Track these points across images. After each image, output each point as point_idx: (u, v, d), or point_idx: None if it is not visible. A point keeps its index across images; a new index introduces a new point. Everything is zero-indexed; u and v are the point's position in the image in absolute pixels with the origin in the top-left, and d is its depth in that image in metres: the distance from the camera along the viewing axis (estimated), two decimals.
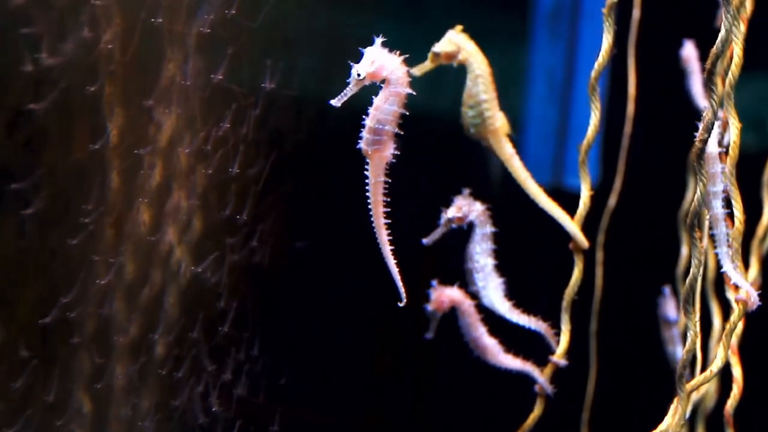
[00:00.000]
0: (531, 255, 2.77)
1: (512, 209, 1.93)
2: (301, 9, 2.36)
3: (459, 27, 1.84)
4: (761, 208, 2.08)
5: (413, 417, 3.02)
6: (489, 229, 1.88)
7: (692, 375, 1.86)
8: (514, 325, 1.90)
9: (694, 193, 1.55)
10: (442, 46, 1.82)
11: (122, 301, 1.93)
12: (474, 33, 1.86)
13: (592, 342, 2.38)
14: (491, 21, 3.03)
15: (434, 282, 1.90)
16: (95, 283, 1.86)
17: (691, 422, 2.25)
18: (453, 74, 1.85)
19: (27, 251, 1.77)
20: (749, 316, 1.68)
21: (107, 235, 1.88)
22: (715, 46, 1.45)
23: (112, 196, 1.87)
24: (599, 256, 2.34)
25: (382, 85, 1.54)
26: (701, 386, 1.77)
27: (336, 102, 1.53)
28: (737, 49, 1.62)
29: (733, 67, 1.62)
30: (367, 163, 1.55)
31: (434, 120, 2.01)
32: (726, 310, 2.09)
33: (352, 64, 1.53)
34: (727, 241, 1.63)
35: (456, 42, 1.82)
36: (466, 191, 1.87)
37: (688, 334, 1.61)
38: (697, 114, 1.55)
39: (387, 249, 1.58)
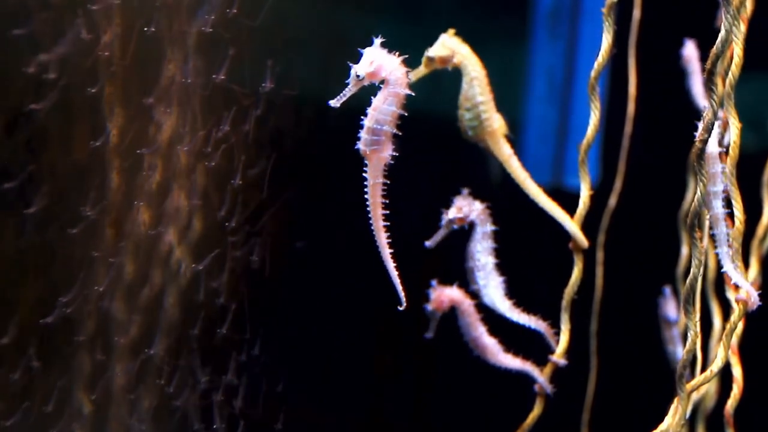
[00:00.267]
0: (531, 255, 2.77)
1: (512, 209, 1.93)
2: (301, 9, 2.36)
3: (452, 30, 1.84)
4: (761, 208, 2.08)
5: (413, 417, 3.02)
6: (489, 227, 1.88)
7: (692, 375, 1.86)
8: (514, 324, 1.90)
9: (695, 193, 1.55)
10: (436, 51, 1.82)
11: (122, 301, 1.93)
12: (474, 33, 1.86)
13: (593, 342, 2.38)
14: (491, 21, 3.03)
15: (434, 282, 1.90)
16: (95, 283, 1.86)
17: (691, 422, 2.25)
18: (451, 75, 1.85)
19: (27, 251, 1.78)
20: (749, 316, 1.68)
21: (107, 234, 1.88)
22: (715, 47, 1.45)
23: (112, 196, 1.87)
24: (599, 256, 2.34)
25: (381, 85, 1.54)
26: (701, 386, 1.77)
27: (335, 102, 1.53)
28: (737, 49, 1.62)
29: (733, 67, 1.62)
30: (366, 165, 1.55)
31: (433, 120, 2.01)
32: (726, 310, 2.09)
33: (351, 64, 1.53)
34: (728, 241, 1.63)
35: (450, 46, 1.82)
36: (465, 191, 1.87)
37: (688, 334, 1.61)
38: (697, 114, 1.54)
39: (386, 252, 1.58)
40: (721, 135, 1.68)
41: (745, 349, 1.89)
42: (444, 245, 1.86)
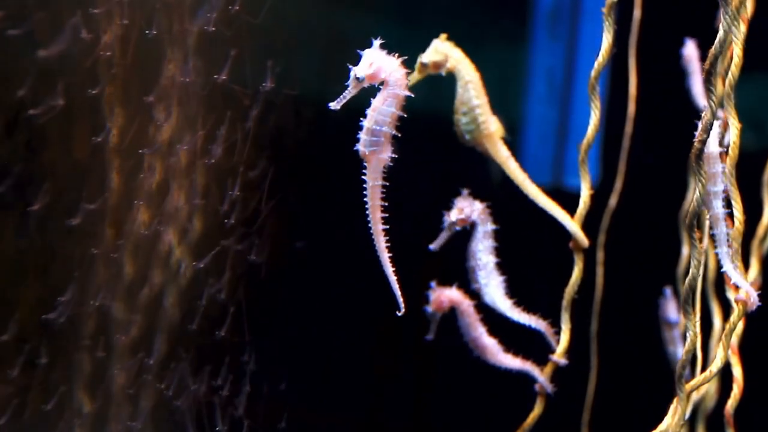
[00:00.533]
0: (531, 254, 2.77)
1: (512, 209, 1.93)
2: (301, 9, 2.36)
3: (444, 35, 1.83)
4: (761, 208, 2.08)
5: (413, 417, 3.02)
6: (490, 226, 1.88)
7: (693, 375, 1.86)
8: (514, 324, 1.90)
9: (695, 193, 1.55)
10: (429, 56, 1.81)
11: (122, 301, 1.93)
12: (474, 34, 1.86)
13: (593, 342, 2.38)
14: (491, 22, 3.03)
15: (433, 283, 1.91)
16: (95, 283, 1.86)
17: (691, 422, 2.25)
18: (449, 76, 1.84)
19: (27, 251, 1.78)
20: (749, 316, 1.68)
21: (107, 234, 1.88)
22: (713, 47, 1.46)
23: (112, 196, 1.87)
24: (600, 256, 2.34)
25: (380, 87, 1.54)
26: (701, 386, 1.77)
27: (335, 105, 1.53)
28: (737, 50, 1.62)
29: (732, 67, 1.62)
30: (365, 166, 1.55)
31: (433, 121, 2.01)
32: (726, 310, 2.09)
33: (350, 66, 1.53)
34: (727, 241, 1.63)
35: (442, 51, 1.82)
36: (465, 192, 1.87)
37: (688, 335, 1.61)
38: (697, 114, 1.54)
39: (385, 256, 1.58)
40: (722, 135, 1.68)
41: (745, 349, 1.89)
42: (443, 245, 1.86)
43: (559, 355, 1.89)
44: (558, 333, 1.89)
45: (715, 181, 1.62)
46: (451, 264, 1.93)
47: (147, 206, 1.94)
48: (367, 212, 1.56)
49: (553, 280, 1.94)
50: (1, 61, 1.68)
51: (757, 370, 1.95)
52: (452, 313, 1.92)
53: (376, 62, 1.52)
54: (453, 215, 1.85)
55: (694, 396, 2.08)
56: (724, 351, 1.65)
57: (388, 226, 1.57)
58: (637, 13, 2.30)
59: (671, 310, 2.40)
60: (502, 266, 1.90)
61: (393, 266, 1.58)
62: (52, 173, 1.76)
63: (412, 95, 1.54)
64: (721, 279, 1.94)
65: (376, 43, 1.54)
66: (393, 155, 1.55)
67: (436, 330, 1.92)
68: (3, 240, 1.76)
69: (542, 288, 2.19)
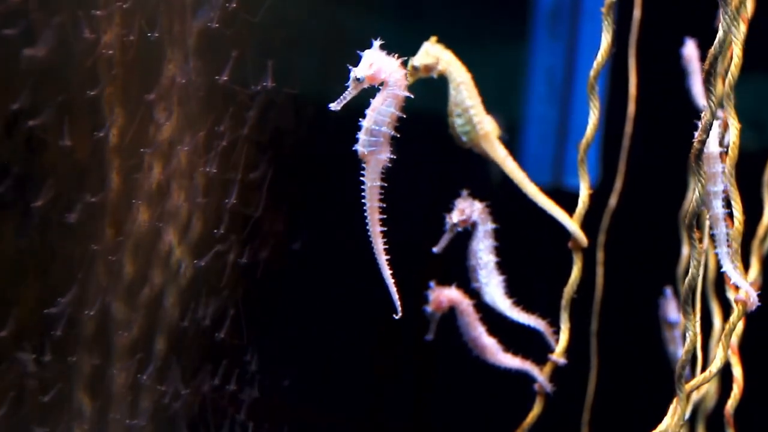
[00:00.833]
0: (531, 254, 2.78)
1: (512, 209, 1.93)
2: (301, 9, 2.36)
3: (434, 38, 1.83)
4: (761, 208, 2.08)
5: (413, 417, 3.02)
6: (490, 225, 1.89)
7: (693, 375, 1.86)
8: (513, 323, 1.90)
9: (694, 193, 1.55)
10: (420, 59, 1.81)
11: (122, 301, 1.93)
12: (474, 34, 1.86)
13: (593, 342, 2.38)
14: (491, 21, 3.03)
15: (432, 283, 1.91)
16: (95, 283, 1.86)
17: (691, 422, 2.24)
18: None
19: (27, 251, 1.78)
20: (749, 316, 1.68)
21: (107, 234, 1.88)
22: (713, 47, 1.46)
23: (112, 196, 1.87)
24: (600, 256, 2.34)
25: (380, 87, 1.54)
26: (701, 386, 1.77)
27: (335, 105, 1.53)
28: (737, 50, 1.62)
29: (732, 67, 1.62)
30: (363, 167, 1.55)
31: (432, 121, 2.01)
32: (726, 310, 2.09)
33: (350, 67, 1.52)
34: (727, 241, 1.63)
35: (433, 53, 1.81)
36: (465, 193, 1.87)
37: (687, 335, 1.61)
38: (697, 114, 1.54)
39: (382, 258, 1.58)
40: (722, 135, 1.68)
41: (745, 349, 1.88)
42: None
43: (558, 355, 1.89)
44: (557, 333, 1.89)
45: (715, 181, 1.62)
46: (450, 264, 1.93)
47: (147, 206, 1.94)
48: (365, 213, 1.56)
49: (553, 279, 1.94)
50: (2, 61, 1.68)
51: (757, 370, 1.95)
52: (452, 313, 1.92)
53: (376, 63, 1.52)
54: (454, 217, 1.86)
55: (694, 396, 2.08)
56: (724, 351, 1.65)
57: (386, 228, 1.57)
58: (637, 13, 2.30)
59: (671, 310, 2.40)
60: (502, 266, 1.90)
61: (391, 268, 1.58)
62: (52, 173, 1.76)
63: (412, 96, 1.54)
64: (721, 279, 1.94)
65: (376, 43, 1.54)
66: (391, 156, 1.55)
67: (435, 330, 1.92)
68: (3, 240, 1.76)
69: (542, 287, 2.19)
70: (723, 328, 1.67)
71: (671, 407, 1.66)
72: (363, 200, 1.55)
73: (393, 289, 1.59)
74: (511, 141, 1.91)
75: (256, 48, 2.01)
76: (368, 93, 1.55)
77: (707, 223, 1.67)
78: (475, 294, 1.91)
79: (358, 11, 2.63)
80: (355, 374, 2.81)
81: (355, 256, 1.71)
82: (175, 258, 2.01)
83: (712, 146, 1.61)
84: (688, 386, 1.64)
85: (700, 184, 1.53)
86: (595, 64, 1.77)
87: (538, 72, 3.13)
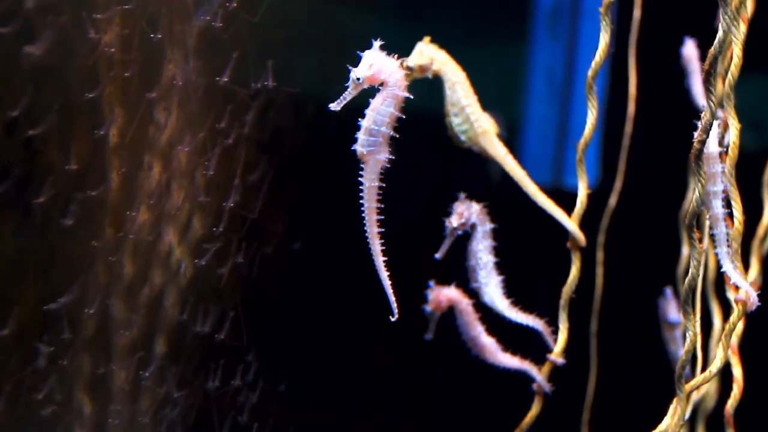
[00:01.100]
0: (531, 254, 2.77)
1: (512, 209, 1.93)
2: (301, 9, 2.36)
3: (427, 38, 1.83)
4: (761, 208, 2.08)
5: (413, 417, 3.02)
6: (488, 225, 1.89)
7: (693, 375, 1.86)
8: (512, 323, 1.90)
9: (694, 193, 1.55)
10: (414, 60, 1.81)
11: (122, 301, 1.93)
12: (474, 33, 1.86)
13: (593, 342, 2.38)
14: (491, 21, 3.03)
15: (431, 282, 1.91)
16: (95, 283, 1.86)
17: (691, 422, 2.24)
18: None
19: (27, 251, 1.78)
20: (749, 316, 1.68)
21: (107, 234, 1.88)
22: (713, 47, 1.46)
23: (112, 196, 1.87)
24: (600, 256, 2.34)
25: (380, 87, 1.54)
26: (701, 386, 1.77)
27: (335, 106, 1.53)
28: (737, 50, 1.62)
29: (732, 67, 1.62)
30: (362, 167, 1.55)
31: (430, 121, 2.01)
32: (726, 310, 2.09)
33: (350, 68, 1.53)
34: (727, 241, 1.63)
35: (427, 54, 1.81)
36: (462, 195, 1.87)
37: (687, 335, 1.61)
38: (697, 114, 1.54)
39: (380, 259, 1.57)
40: (721, 135, 1.68)
41: (745, 349, 1.88)
42: (441, 245, 1.86)
43: (556, 355, 1.89)
44: (556, 332, 1.89)
45: (714, 181, 1.62)
46: (449, 263, 1.93)
47: (147, 206, 1.94)
48: (363, 214, 1.56)
49: (553, 279, 1.94)
50: (1, 61, 1.68)
51: (757, 370, 1.95)
52: (452, 313, 1.92)
53: (376, 63, 1.52)
54: (454, 221, 1.85)
55: (694, 396, 2.08)
56: (724, 351, 1.65)
57: (386, 228, 1.57)
58: (637, 13, 2.30)
59: (672, 310, 2.40)
60: (502, 266, 1.90)
61: (389, 269, 1.58)
62: (52, 173, 1.76)
63: (411, 96, 1.54)
64: (721, 279, 1.94)
65: (376, 44, 1.54)
66: (390, 157, 1.54)
67: (435, 329, 1.92)
68: (3, 240, 1.76)
69: (542, 287, 2.19)
70: (723, 328, 1.67)
71: (671, 407, 1.66)
72: (361, 201, 1.55)
73: (390, 291, 1.59)
74: (511, 141, 1.91)
75: (256, 48, 2.01)
76: (368, 93, 1.55)
77: (707, 223, 1.67)
78: (474, 293, 1.91)
79: (358, 11, 2.63)
80: (355, 374, 2.81)
81: (355, 256, 1.71)
82: (175, 258, 2.01)
83: (712, 146, 1.61)
84: (688, 386, 1.64)
85: (699, 184, 1.53)
86: (593, 64, 1.77)
87: (538, 72, 3.13)
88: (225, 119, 1.99)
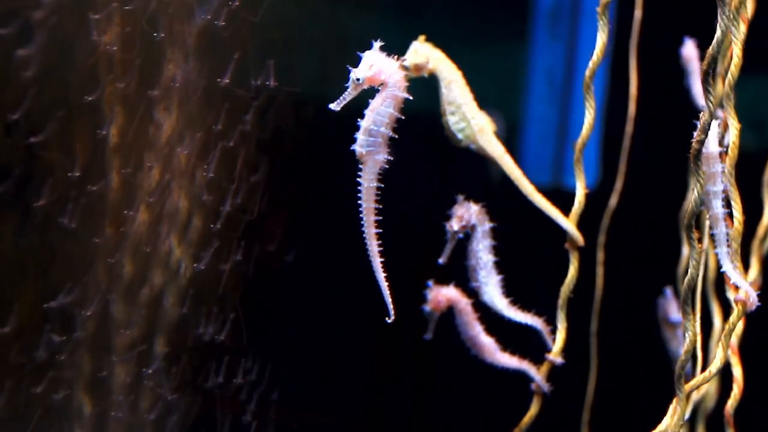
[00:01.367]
0: (531, 254, 2.77)
1: (512, 208, 1.93)
2: (302, 9, 2.36)
3: (422, 37, 1.83)
4: (761, 208, 2.08)
5: (413, 417, 3.02)
6: (488, 225, 1.89)
7: (694, 375, 1.85)
8: (511, 323, 1.90)
9: (693, 193, 1.55)
10: (409, 59, 1.80)
11: (122, 301, 1.93)
12: (474, 33, 1.86)
13: (593, 342, 2.38)
14: (491, 21, 3.03)
15: (430, 282, 1.91)
16: (95, 283, 1.86)
17: (691, 422, 2.24)
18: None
19: (27, 251, 1.78)
20: (749, 316, 1.68)
21: (107, 234, 1.89)
22: (711, 47, 1.46)
23: (112, 196, 1.87)
24: (600, 256, 2.34)
25: (380, 88, 1.54)
26: (701, 386, 1.77)
27: (335, 106, 1.53)
28: (737, 50, 1.62)
29: (732, 67, 1.62)
30: (360, 168, 1.55)
31: (430, 122, 2.01)
32: (727, 310, 2.09)
33: (350, 68, 1.53)
34: (727, 241, 1.63)
35: (423, 52, 1.81)
36: (461, 198, 1.87)
37: (687, 335, 1.61)
38: (697, 114, 1.54)
39: (377, 260, 1.57)
40: (722, 135, 1.68)
41: (745, 349, 1.88)
42: (440, 245, 1.86)
43: (555, 355, 1.89)
44: (554, 332, 1.89)
45: (714, 180, 1.62)
46: (447, 263, 1.93)
47: (147, 206, 1.94)
48: (361, 215, 1.56)
49: (553, 279, 1.94)
50: (1, 61, 1.68)
51: (757, 370, 1.95)
52: (452, 313, 1.92)
53: (376, 64, 1.52)
54: (454, 225, 1.85)
55: (694, 396, 2.08)
56: (723, 351, 1.65)
57: (386, 227, 1.57)
58: (637, 13, 2.30)
59: (673, 309, 2.40)
60: (502, 265, 1.90)
61: (387, 270, 1.58)
62: (52, 173, 1.76)
63: (411, 97, 1.54)
64: (721, 279, 1.94)
65: (376, 44, 1.54)
66: (389, 157, 1.54)
67: (435, 329, 1.92)
68: (3, 240, 1.76)
69: (542, 287, 2.19)
70: (723, 328, 1.67)
71: (671, 407, 1.66)
72: (359, 202, 1.55)
73: (386, 292, 1.59)
74: (511, 141, 1.91)
75: (257, 48, 2.01)
76: (369, 93, 1.55)
77: (707, 223, 1.67)
78: (473, 293, 1.91)
79: (358, 11, 2.63)
80: (355, 374, 2.81)
81: (355, 256, 1.71)
82: (175, 258, 2.01)
83: (712, 146, 1.61)
84: (687, 386, 1.64)
85: (698, 184, 1.53)
86: (590, 64, 1.77)
87: (538, 72, 3.13)
88: (225, 119, 1.99)
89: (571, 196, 1.87)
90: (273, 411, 2.18)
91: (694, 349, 1.83)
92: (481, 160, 1.90)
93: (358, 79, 1.52)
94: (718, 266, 1.70)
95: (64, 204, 1.79)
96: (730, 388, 1.82)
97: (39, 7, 1.67)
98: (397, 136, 1.54)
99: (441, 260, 1.85)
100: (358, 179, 1.55)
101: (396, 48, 1.56)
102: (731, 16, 1.47)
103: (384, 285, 1.58)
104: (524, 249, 2.60)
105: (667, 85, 2.40)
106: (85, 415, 1.90)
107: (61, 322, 1.82)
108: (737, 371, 1.82)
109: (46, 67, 1.69)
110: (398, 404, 2.99)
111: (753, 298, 1.63)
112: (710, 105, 1.47)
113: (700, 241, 1.57)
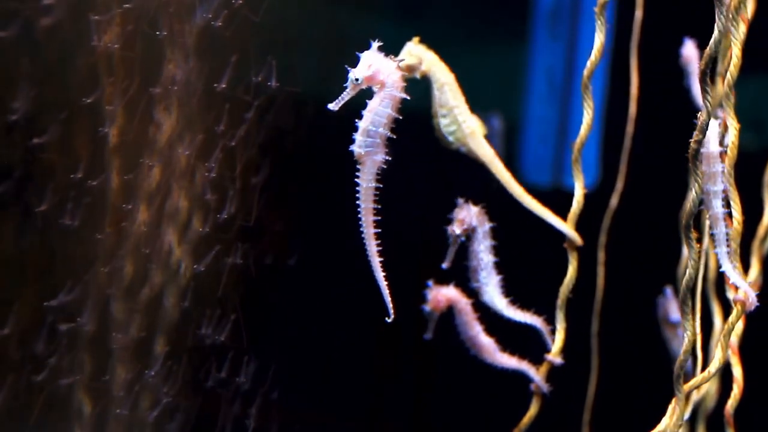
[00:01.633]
0: (531, 254, 2.77)
1: (512, 209, 1.93)
2: (302, 9, 2.36)
3: (416, 38, 1.83)
4: (761, 208, 2.07)
5: (413, 417, 3.02)
6: (488, 225, 1.89)
7: (694, 375, 1.85)
8: (511, 323, 1.90)
9: (692, 193, 1.55)
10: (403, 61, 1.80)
11: (121, 301, 1.93)
12: (474, 33, 1.86)
13: (594, 342, 2.37)
14: (491, 21, 3.03)
15: (430, 282, 1.91)
16: (95, 283, 1.86)
17: (691, 422, 2.24)
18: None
19: (27, 251, 1.78)
20: (749, 316, 1.68)
21: (107, 234, 1.89)
22: (708, 48, 1.46)
23: (112, 196, 1.87)
24: (601, 256, 2.33)
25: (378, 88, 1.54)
26: (701, 386, 1.77)
27: (333, 106, 1.53)
28: (736, 50, 1.62)
29: (731, 67, 1.62)
30: (359, 168, 1.55)
31: (428, 122, 2.01)
32: (727, 310, 2.09)
33: (349, 68, 1.53)
34: (727, 240, 1.63)
35: (416, 54, 1.81)
36: (461, 201, 1.87)
37: (686, 335, 1.61)
38: (697, 114, 1.54)
39: (375, 260, 1.57)
40: (722, 134, 1.68)
41: (745, 349, 1.88)
42: (439, 245, 1.86)
43: (554, 355, 1.89)
44: (554, 332, 1.89)
45: (714, 180, 1.62)
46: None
47: (147, 206, 1.94)
48: (359, 215, 1.56)
49: (553, 279, 1.94)
50: (2, 62, 1.69)
51: (757, 370, 1.95)
52: (452, 313, 1.92)
53: (375, 64, 1.53)
54: (456, 229, 1.85)
55: (694, 396, 2.08)
56: (723, 351, 1.65)
57: (382, 229, 1.57)
58: (638, 13, 2.30)
59: (673, 309, 2.40)
60: (503, 266, 1.90)
61: (386, 270, 1.58)
62: (53, 173, 1.77)
63: (409, 98, 1.54)
64: (721, 279, 1.94)
65: (375, 45, 1.54)
66: (387, 158, 1.55)
67: (434, 329, 1.92)
68: (3, 240, 1.76)
69: (542, 288, 2.19)
70: (723, 328, 1.67)
71: (670, 407, 1.66)
72: (357, 202, 1.56)
73: (386, 292, 1.59)
74: (511, 141, 1.91)
75: (256, 48, 2.01)
76: (368, 94, 1.55)
77: (707, 222, 1.67)
78: (473, 293, 1.91)
79: (357, 11, 2.63)
80: (355, 374, 2.81)
81: (355, 256, 1.71)
82: (175, 258, 2.01)
83: (712, 146, 1.61)
84: (686, 386, 1.64)
85: (697, 184, 1.53)
86: (588, 64, 1.77)
87: (538, 72, 3.13)
88: (225, 119, 1.99)
89: (571, 196, 1.87)
90: (273, 411, 2.18)
91: (694, 349, 1.83)
92: (479, 162, 1.90)
93: (356, 79, 1.52)
94: (718, 266, 1.70)
95: (65, 204, 1.79)
96: (730, 388, 1.82)
97: (39, 8, 1.67)
98: (395, 137, 1.54)
99: (444, 265, 1.85)
100: (356, 179, 1.55)
101: (396, 48, 1.56)
102: (730, 16, 1.47)
103: (383, 285, 1.58)
104: (524, 250, 2.60)
105: (668, 86, 2.40)
106: (85, 414, 1.90)
107: (62, 321, 1.82)
108: (737, 371, 1.82)
109: (46, 67, 1.69)
110: (398, 404, 2.99)
111: (752, 298, 1.63)
112: (708, 105, 1.47)
113: (698, 241, 1.57)
